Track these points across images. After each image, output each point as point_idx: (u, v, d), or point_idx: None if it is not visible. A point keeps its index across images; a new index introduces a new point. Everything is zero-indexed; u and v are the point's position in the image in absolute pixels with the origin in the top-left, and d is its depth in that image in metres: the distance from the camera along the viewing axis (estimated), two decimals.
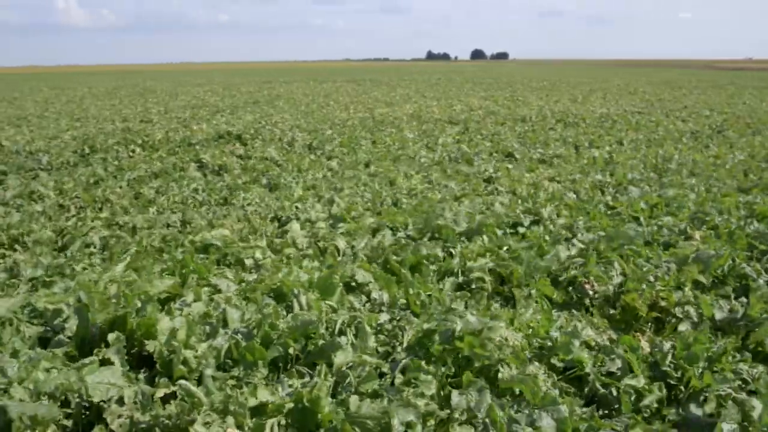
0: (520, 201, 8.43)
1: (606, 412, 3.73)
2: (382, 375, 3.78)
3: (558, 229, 6.98)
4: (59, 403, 3.36)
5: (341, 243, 6.48)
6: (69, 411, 3.35)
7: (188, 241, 6.65)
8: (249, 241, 6.67)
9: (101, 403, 3.37)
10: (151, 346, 3.98)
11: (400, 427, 3.14)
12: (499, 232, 6.79)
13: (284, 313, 4.48)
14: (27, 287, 5.31)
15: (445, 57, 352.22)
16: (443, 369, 3.74)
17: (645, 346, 4.20)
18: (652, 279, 5.30)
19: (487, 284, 5.39)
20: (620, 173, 10.46)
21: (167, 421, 3.13)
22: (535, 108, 23.17)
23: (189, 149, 13.65)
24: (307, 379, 3.74)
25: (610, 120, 19.14)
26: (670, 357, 4.04)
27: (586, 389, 3.86)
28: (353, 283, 5.26)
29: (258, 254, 6.21)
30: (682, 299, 4.98)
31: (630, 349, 4.08)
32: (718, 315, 4.80)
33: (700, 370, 3.89)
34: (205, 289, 5.00)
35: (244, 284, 5.26)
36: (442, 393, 3.59)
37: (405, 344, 4.11)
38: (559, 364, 3.99)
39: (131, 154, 13.20)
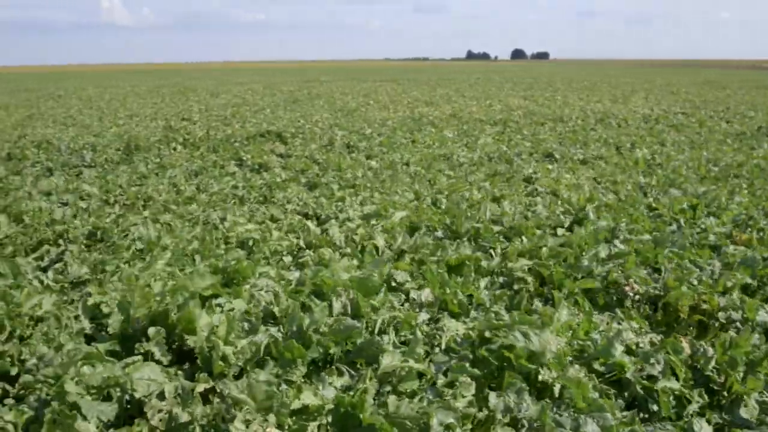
0: (560, 202, 8.36)
1: (646, 416, 3.68)
2: (420, 375, 3.78)
3: (599, 231, 6.91)
4: (101, 397, 3.42)
5: (380, 242, 6.48)
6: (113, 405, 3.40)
7: (226, 237, 6.72)
8: (288, 238, 6.70)
9: (142, 398, 3.42)
10: (191, 341, 4.02)
11: (439, 428, 3.13)
12: (539, 233, 6.73)
13: (323, 311, 4.49)
14: (72, 283, 5.39)
15: (484, 56, 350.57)
16: (485, 371, 3.73)
17: (687, 349, 4.14)
18: (694, 282, 5.24)
19: (529, 284, 5.36)
20: (662, 175, 10.33)
21: (207, 418, 3.16)
22: (576, 108, 22.98)
23: (229, 147, 13.76)
24: (347, 377, 3.74)
25: (652, 120, 18.91)
26: (713, 362, 3.98)
27: (626, 393, 3.82)
28: (392, 283, 5.26)
29: (297, 252, 6.25)
30: (726, 303, 4.90)
31: (673, 352, 4.02)
32: (763, 319, 4.72)
33: (742, 375, 3.83)
34: (246, 286, 5.04)
35: (283, 282, 5.28)
36: (481, 394, 3.58)
37: (443, 345, 4.10)
38: (600, 368, 3.95)
39: (173, 151, 13.35)
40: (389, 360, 3.74)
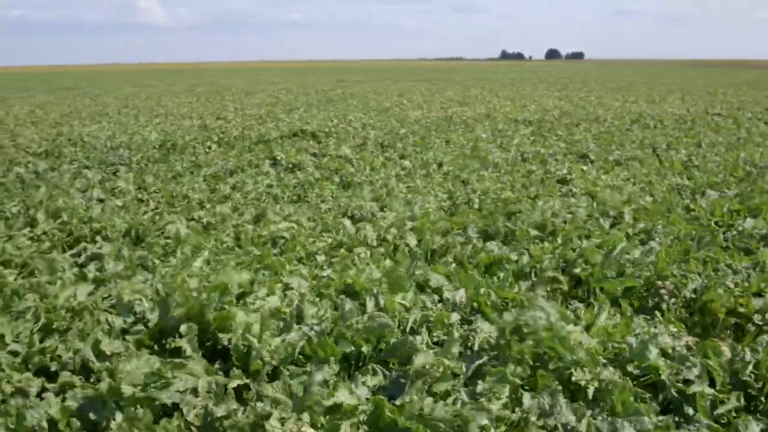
0: (595, 203, 8.30)
1: (681, 420, 3.64)
2: (454, 375, 3.77)
3: (635, 232, 6.85)
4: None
5: (413, 241, 6.48)
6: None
7: (258, 234, 6.76)
8: (322, 237, 6.73)
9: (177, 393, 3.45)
10: (226, 339, 4.06)
11: (475, 430, 3.12)
12: (574, 234, 6.68)
13: (355, 309, 4.50)
14: (108, 279, 5.45)
15: (519, 56, 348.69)
16: (519, 370, 3.71)
17: (727, 353, 4.08)
18: (731, 284, 5.17)
19: (563, 285, 5.33)
20: (699, 176, 10.21)
21: (242, 415, 3.18)
22: (611, 109, 22.78)
23: (264, 146, 13.84)
24: (380, 376, 3.75)
25: (688, 121, 18.69)
26: (750, 366, 3.92)
27: (660, 396, 3.78)
28: (424, 283, 5.26)
29: (330, 251, 6.27)
30: (762, 306, 4.83)
31: (711, 355, 3.97)
32: None
33: None
34: (279, 284, 5.06)
35: (315, 281, 5.31)
36: (514, 396, 3.56)
37: (476, 346, 4.09)
38: (635, 371, 3.91)
39: (207, 150, 13.46)
40: (423, 360, 3.73)
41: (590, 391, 3.59)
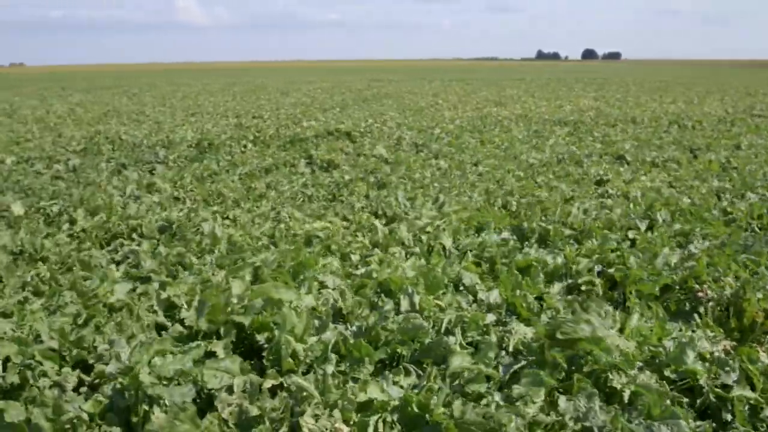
0: (632, 204, 8.22)
1: (718, 425, 3.59)
2: (488, 377, 3.76)
3: (672, 235, 6.78)
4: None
5: (448, 242, 6.47)
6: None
7: (292, 233, 6.79)
8: (356, 236, 6.74)
9: (212, 391, 3.48)
10: (261, 337, 4.09)
11: None
12: (611, 236, 6.62)
13: (390, 309, 4.51)
14: (145, 276, 5.51)
15: (555, 56, 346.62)
16: (554, 373, 3.69)
17: (763, 358, 4.02)
18: None
19: (598, 287, 5.29)
20: (738, 178, 10.07)
21: (276, 412, 3.20)
22: (648, 110, 22.55)
23: (299, 145, 13.90)
24: (413, 377, 3.75)
25: (727, 123, 18.43)
26: None
27: (698, 401, 3.73)
28: (459, 284, 5.25)
29: (365, 250, 6.28)
30: None
31: (749, 360, 3.92)
32: None
33: None
34: (315, 283, 5.08)
35: (350, 280, 5.32)
36: (548, 399, 3.54)
37: (511, 348, 4.07)
38: (672, 375, 3.87)
39: (243, 149, 13.54)
40: (459, 361, 3.73)
41: (626, 395, 3.55)
